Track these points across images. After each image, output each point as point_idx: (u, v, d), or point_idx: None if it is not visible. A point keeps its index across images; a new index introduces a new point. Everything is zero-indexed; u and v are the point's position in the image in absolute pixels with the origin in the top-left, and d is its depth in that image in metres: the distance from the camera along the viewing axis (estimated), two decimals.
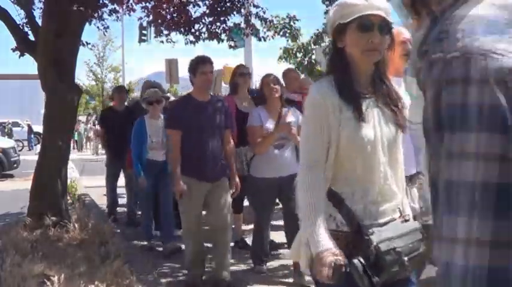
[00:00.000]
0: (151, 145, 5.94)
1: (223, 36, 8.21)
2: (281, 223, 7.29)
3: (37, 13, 7.33)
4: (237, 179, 4.76)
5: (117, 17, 8.40)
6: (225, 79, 12.97)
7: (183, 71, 9.68)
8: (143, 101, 6.22)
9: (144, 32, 17.34)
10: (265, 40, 9.22)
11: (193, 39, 8.19)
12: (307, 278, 4.01)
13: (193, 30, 8.01)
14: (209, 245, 4.85)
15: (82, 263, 4.84)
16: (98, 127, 27.51)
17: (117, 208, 7.89)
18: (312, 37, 10.61)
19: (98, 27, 8.26)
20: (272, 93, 4.78)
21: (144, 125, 5.99)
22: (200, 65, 4.55)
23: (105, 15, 7.97)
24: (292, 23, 10.28)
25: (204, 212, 4.85)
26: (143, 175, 5.94)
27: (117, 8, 7.71)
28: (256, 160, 4.80)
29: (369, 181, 2.02)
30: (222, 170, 4.63)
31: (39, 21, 6.76)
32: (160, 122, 5.96)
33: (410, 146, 2.90)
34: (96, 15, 7.62)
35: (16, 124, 32.46)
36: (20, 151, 18.69)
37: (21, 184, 10.88)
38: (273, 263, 5.28)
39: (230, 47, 9.00)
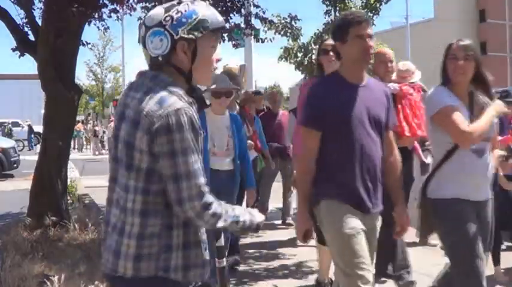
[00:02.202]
0: (213, 149, 4.45)
1: (224, 36, 8.21)
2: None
3: (37, 13, 7.33)
4: (406, 212, 3.04)
5: (118, 17, 8.39)
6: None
7: None
8: (206, 91, 4.61)
9: None
10: (263, 42, 9.26)
11: None
12: None
13: None
14: None
15: (82, 263, 4.84)
16: (97, 127, 27.58)
17: None
18: (312, 37, 10.59)
19: (98, 27, 8.26)
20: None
21: (204, 121, 4.32)
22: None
23: (105, 16, 7.96)
24: (293, 23, 10.26)
25: None
26: None
27: (117, 8, 7.70)
28: (445, 169, 3.04)
29: None
30: (381, 196, 2.96)
31: (39, 21, 6.75)
32: (226, 120, 4.57)
33: None
34: (96, 15, 7.62)
35: (16, 124, 32.45)
36: (20, 151, 18.68)
37: (21, 184, 10.88)
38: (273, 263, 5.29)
39: (233, 45, 9.05)
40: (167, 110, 1.75)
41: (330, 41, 4.01)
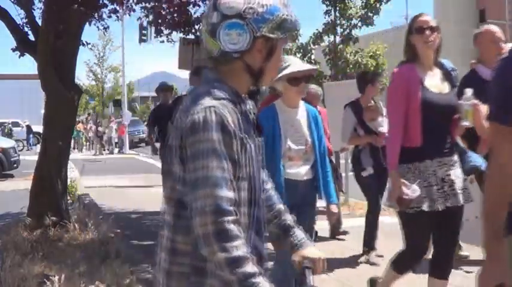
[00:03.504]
0: (288, 152, 3.47)
1: None
2: None
3: (37, 13, 7.34)
4: None
5: (117, 17, 8.41)
6: None
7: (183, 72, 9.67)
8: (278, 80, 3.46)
9: (144, 32, 17.35)
10: None
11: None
12: None
13: (193, 30, 8.02)
14: None
15: (82, 263, 4.84)
16: (100, 128, 27.45)
17: None
18: (311, 37, 10.61)
19: (97, 27, 8.27)
20: None
21: (275, 118, 3.49)
22: None
23: (105, 16, 7.97)
24: None
25: None
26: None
27: (117, 8, 7.71)
28: None
29: None
30: None
31: (39, 21, 6.76)
32: (302, 113, 3.59)
33: None
34: (96, 15, 7.63)
35: (16, 124, 32.45)
36: (20, 151, 18.69)
37: (21, 184, 10.89)
38: None
39: None
40: (195, 109, 1.57)
41: (426, 17, 3.43)
